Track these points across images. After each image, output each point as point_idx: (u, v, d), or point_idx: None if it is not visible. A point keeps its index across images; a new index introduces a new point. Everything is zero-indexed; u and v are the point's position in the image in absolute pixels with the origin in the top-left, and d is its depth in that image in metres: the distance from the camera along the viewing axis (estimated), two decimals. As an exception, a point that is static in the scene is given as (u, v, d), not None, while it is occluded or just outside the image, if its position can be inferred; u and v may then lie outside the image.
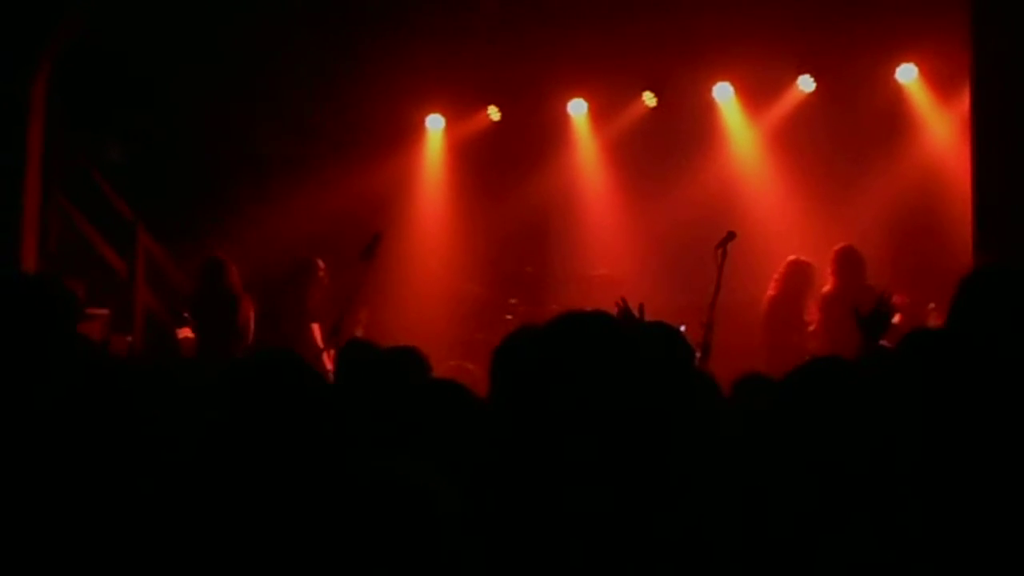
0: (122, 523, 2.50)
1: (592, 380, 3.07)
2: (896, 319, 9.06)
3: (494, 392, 3.28)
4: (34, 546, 2.45)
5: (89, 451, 2.60)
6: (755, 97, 10.91)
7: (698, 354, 5.63)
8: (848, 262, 9.00)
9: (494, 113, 11.42)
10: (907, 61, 10.35)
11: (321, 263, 9.57)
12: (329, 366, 7.96)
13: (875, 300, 5.03)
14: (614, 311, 5.30)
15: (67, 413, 2.66)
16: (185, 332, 9.68)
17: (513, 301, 10.39)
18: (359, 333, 8.70)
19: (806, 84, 10.68)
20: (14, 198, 9.27)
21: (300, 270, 9.60)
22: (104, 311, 10.49)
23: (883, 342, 4.79)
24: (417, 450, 2.95)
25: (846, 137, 10.41)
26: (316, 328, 9.31)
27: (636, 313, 5.28)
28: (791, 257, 9.27)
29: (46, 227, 9.81)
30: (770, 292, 9.22)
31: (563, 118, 11.38)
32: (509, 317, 10.20)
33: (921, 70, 10.35)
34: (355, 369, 4.66)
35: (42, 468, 2.55)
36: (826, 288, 9.07)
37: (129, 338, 10.38)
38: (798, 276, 9.16)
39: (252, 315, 9.13)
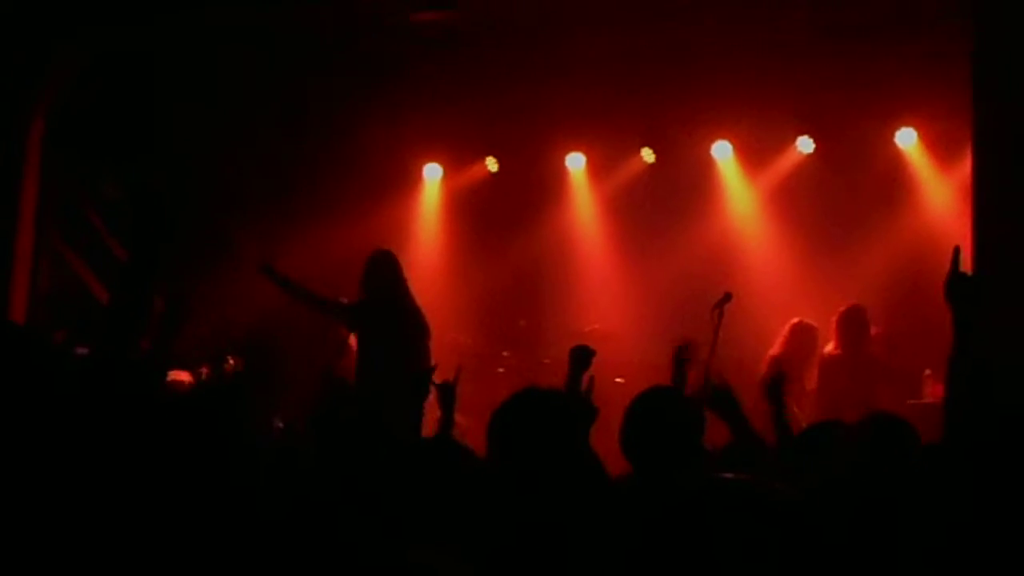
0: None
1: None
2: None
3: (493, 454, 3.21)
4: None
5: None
6: (754, 156, 10.91)
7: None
8: (853, 324, 8.86)
9: (492, 164, 11.41)
10: (907, 125, 10.37)
11: None
12: None
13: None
14: (607, 364, 5.26)
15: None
16: (177, 375, 9.57)
17: (505, 354, 10.31)
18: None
19: (805, 145, 10.69)
20: (6, 236, 9.23)
21: None
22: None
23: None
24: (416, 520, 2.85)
25: (844, 200, 10.39)
26: None
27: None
28: (796, 319, 9.12)
29: (38, 266, 9.75)
30: (772, 352, 9.06)
31: (561, 171, 11.37)
32: (501, 370, 10.13)
33: (921, 135, 10.37)
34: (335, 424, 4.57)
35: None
36: (828, 350, 8.96)
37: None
38: (802, 338, 8.99)
39: None
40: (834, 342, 8.91)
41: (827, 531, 1.83)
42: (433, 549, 2.13)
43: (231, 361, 9.03)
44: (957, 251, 3.81)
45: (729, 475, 1.88)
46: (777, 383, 4.62)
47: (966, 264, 6.90)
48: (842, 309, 8.96)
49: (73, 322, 10.06)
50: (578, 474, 3.24)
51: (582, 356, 4.88)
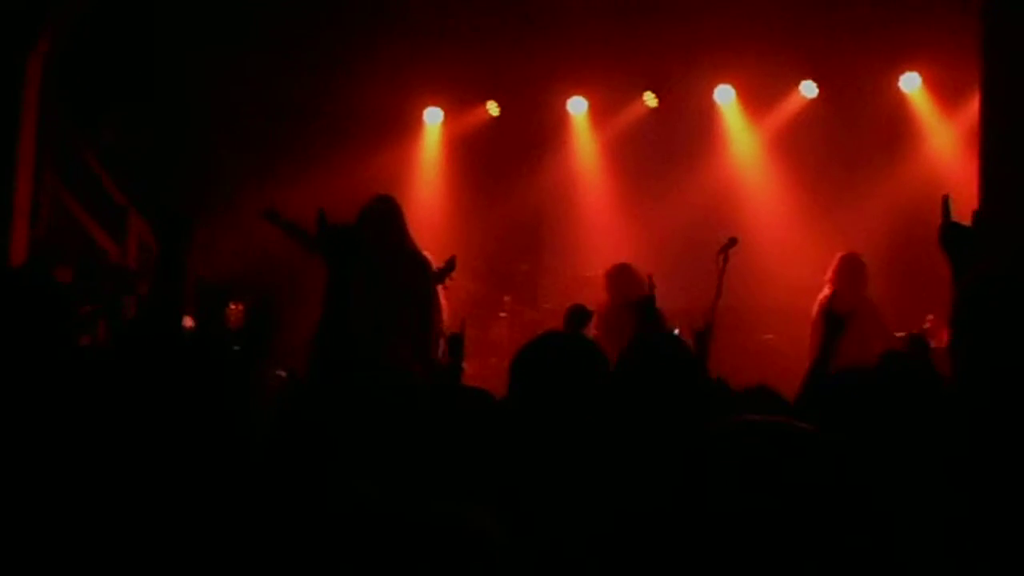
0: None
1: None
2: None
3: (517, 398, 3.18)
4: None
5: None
6: (757, 101, 10.84)
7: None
8: (849, 270, 8.78)
9: (493, 108, 11.34)
10: (911, 70, 10.31)
11: None
12: None
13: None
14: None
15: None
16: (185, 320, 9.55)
17: (506, 299, 10.30)
18: None
19: (809, 90, 10.63)
20: (4, 179, 9.18)
21: None
22: (93, 295, 10.39)
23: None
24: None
25: (847, 144, 10.35)
26: None
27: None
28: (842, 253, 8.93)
29: (37, 209, 9.71)
30: (825, 292, 8.85)
31: (562, 115, 11.30)
32: (502, 315, 10.12)
33: (925, 79, 10.30)
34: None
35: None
36: (824, 294, 8.90)
37: (118, 323, 10.27)
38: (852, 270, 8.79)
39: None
40: (829, 287, 8.84)
41: (857, 472, 1.81)
42: (456, 499, 2.09)
43: (233, 307, 8.98)
44: (946, 200, 3.75)
45: (757, 416, 1.85)
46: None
47: (973, 206, 6.86)
48: (839, 255, 8.86)
49: (72, 264, 10.08)
50: (601, 417, 3.21)
51: (579, 316, 4.82)
